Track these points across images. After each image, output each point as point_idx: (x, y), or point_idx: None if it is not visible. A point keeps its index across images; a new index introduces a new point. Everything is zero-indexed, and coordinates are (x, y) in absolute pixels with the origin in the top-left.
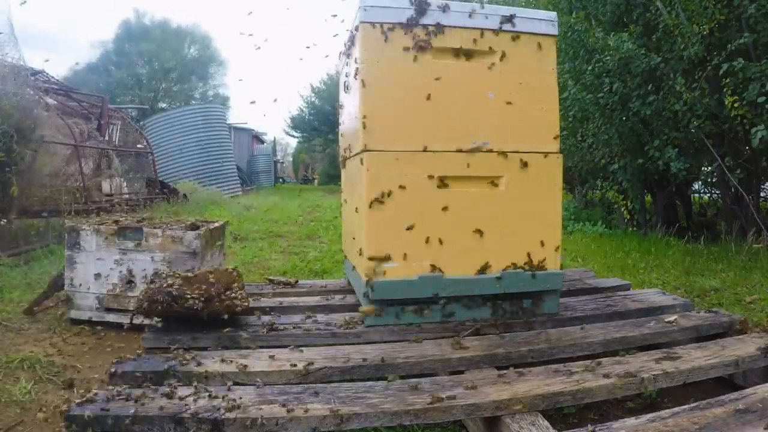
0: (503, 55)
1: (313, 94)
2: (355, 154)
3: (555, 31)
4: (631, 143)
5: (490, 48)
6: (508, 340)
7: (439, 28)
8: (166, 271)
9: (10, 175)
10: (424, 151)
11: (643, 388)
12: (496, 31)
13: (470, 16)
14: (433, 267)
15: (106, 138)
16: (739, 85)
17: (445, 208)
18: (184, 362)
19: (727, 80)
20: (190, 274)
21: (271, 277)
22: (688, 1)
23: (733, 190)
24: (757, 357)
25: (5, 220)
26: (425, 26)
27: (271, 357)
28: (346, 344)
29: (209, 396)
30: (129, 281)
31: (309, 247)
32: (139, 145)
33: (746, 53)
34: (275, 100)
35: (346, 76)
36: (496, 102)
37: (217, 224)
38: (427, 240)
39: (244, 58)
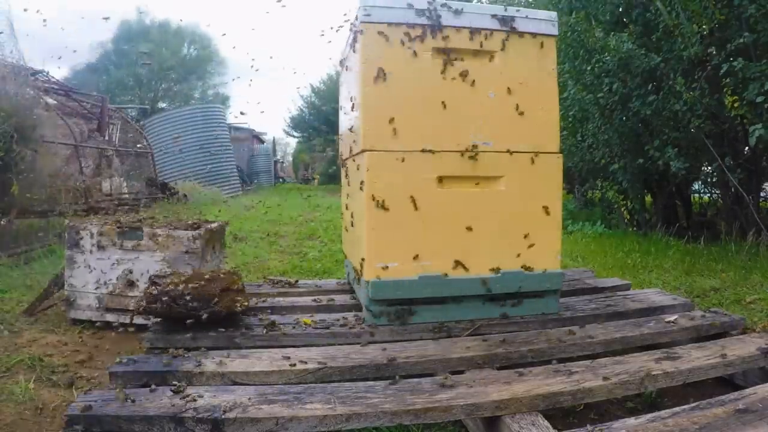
0: (503, 55)
1: (313, 94)
2: (355, 154)
3: (555, 31)
4: (631, 143)
5: (491, 48)
6: (508, 340)
7: (439, 28)
8: (166, 271)
9: (10, 175)
10: (425, 151)
11: (643, 388)
12: (497, 31)
13: (470, 16)
14: (433, 267)
15: (106, 138)
16: (739, 85)
17: (445, 208)
18: (184, 362)
19: (727, 80)
20: (189, 274)
21: (271, 277)
22: (688, 1)
23: (733, 190)
24: (757, 357)
25: (5, 220)
26: (425, 26)
27: (271, 357)
28: (346, 344)
29: (209, 396)
30: (129, 281)
31: (309, 247)
32: (139, 145)
33: (746, 53)
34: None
35: (346, 75)
36: (496, 102)
37: (217, 224)
38: (428, 240)
39: (245, 58)
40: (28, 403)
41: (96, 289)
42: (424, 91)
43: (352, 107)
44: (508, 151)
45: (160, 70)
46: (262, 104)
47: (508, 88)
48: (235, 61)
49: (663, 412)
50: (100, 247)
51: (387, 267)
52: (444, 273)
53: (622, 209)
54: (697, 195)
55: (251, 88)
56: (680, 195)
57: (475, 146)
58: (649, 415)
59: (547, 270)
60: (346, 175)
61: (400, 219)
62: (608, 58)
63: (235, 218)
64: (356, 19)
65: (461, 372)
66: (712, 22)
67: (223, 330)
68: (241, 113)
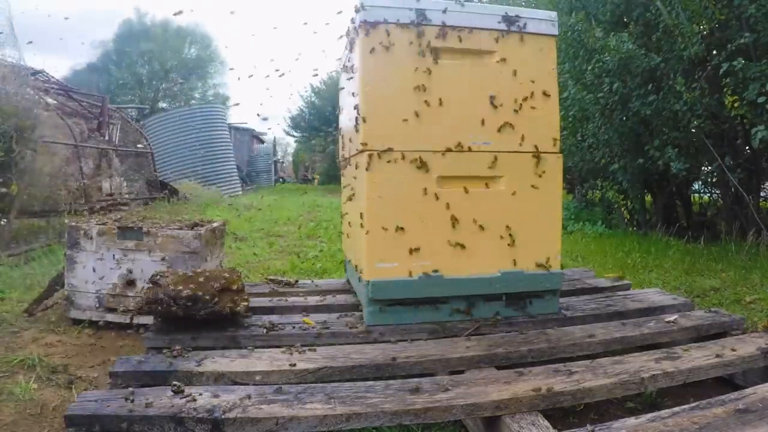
0: (503, 55)
1: (313, 94)
2: (355, 154)
3: (555, 31)
4: (631, 143)
5: (490, 48)
6: (508, 340)
7: (439, 27)
8: (166, 272)
9: (10, 175)
10: (424, 151)
11: (643, 388)
12: (496, 31)
13: (470, 16)
14: (433, 267)
15: (106, 138)
16: (739, 85)
17: (445, 208)
18: (184, 362)
19: (727, 80)
20: (189, 274)
21: (271, 277)
22: (688, 1)
23: (733, 190)
24: (757, 357)
25: (5, 220)
26: (425, 26)
27: (271, 357)
28: (346, 344)
29: (209, 396)
30: (129, 281)
31: (309, 247)
32: (139, 145)
33: (746, 53)
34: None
35: (346, 75)
36: (496, 102)
37: (217, 224)
38: (427, 240)
39: (245, 58)
40: (28, 403)
41: (96, 288)
42: (424, 91)
43: (352, 107)
44: (507, 151)
45: (160, 70)
46: (263, 108)
47: (508, 88)
48: (234, 60)
49: (663, 412)
50: (100, 247)
51: (387, 267)
52: (443, 273)
53: (622, 209)
54: (697, 195)
55: (249, 89)
56: (680, 195)
57: (475, 146)
58: (649, 415)
59: (547, 270)
60: (346, 174)
61: (400, 219)
62: (608, 58)
63: (235, 218)
64: (355, 19)
65: (461, 372)
66: (712, 22)
67: (224, 330)
68: (236, 104)
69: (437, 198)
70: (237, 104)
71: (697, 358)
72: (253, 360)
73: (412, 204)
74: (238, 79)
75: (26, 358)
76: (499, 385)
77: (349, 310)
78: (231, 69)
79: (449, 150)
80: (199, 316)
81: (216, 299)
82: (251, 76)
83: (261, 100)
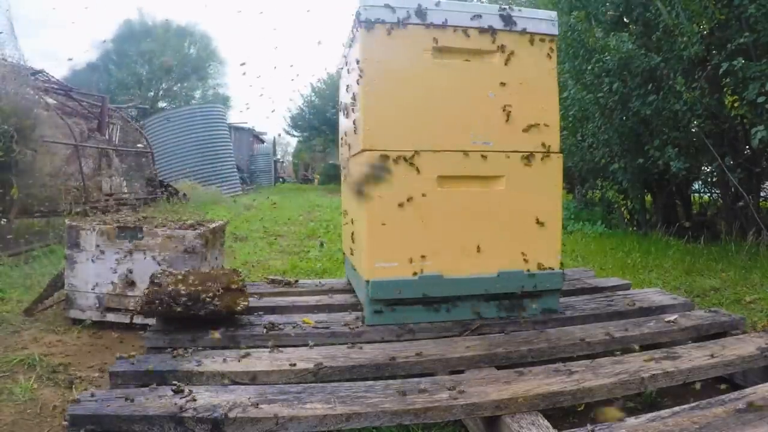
0: (503, 55)
1: (313, 94)
2: (355, 154)
3: (555, 30)
4: (631, 143)
5: (490, 47)
6: (508, 340)
7: (439, 27)
8: (166, 271)
9: (10, 175)
10: (424, 150)
11: (643, 388)
12: (496, 31)
13: (470, 15)
14: (433, 267)
15: (106, 138)
16: (739, 85)
17: (445, 208)
18: (184, 362)
19: (727, 80)
20: (189, 274)
21: (271, 277)
22: (688, 1)
23: (733, 190)
24: (757, 357)
25: (5, 220)
26: (425, 26)
27: (271, 357)
28: (346, 344)
29: (209, 396)
30: (129, 281)
31: (309, 247)
32: (139, 145)
33: (746, 53)
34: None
35: (346, 75)
36: (496, 102)
37: (217, 224)
38: (427, 240)
39: (244, 58)
40: (28, 403)
41: (96, 288)
42: (424, 91)
43: (352, 107)
44: (508, 151)
45: (160, 70)
46: (264, 106)
47: (508, 88)
48: (234, 60)
49: (663, 412)
50: (100, 247)
51: (386, 267)
52: (443, 273)
53: (622, 209)
54: (697, 195)
55: (250, 88)
56: (680, 195)
57: (475, 146)
58: (649, 415)
59: (547, 270)
60: (347, 174)
61: (400, 219)
62: (608, 57)
63: (235, 218)
64: (356, 18)
65: (461, 372)
66: (712, 21)
67: (224, 329)
68: (246, 105)
69: (437, 198)
70: (247, 106)
71: (697, 358)
72: (253, 360)
73: (412, 204)
74: (244, 73)
75: (26, 358)
76: (499, 385)
77: (349, 309)
78: (242, 64)
79: (449, 150)
80: (199, 316)
81: (216, 299)
82: (244, 68)
83: (251, 93)
